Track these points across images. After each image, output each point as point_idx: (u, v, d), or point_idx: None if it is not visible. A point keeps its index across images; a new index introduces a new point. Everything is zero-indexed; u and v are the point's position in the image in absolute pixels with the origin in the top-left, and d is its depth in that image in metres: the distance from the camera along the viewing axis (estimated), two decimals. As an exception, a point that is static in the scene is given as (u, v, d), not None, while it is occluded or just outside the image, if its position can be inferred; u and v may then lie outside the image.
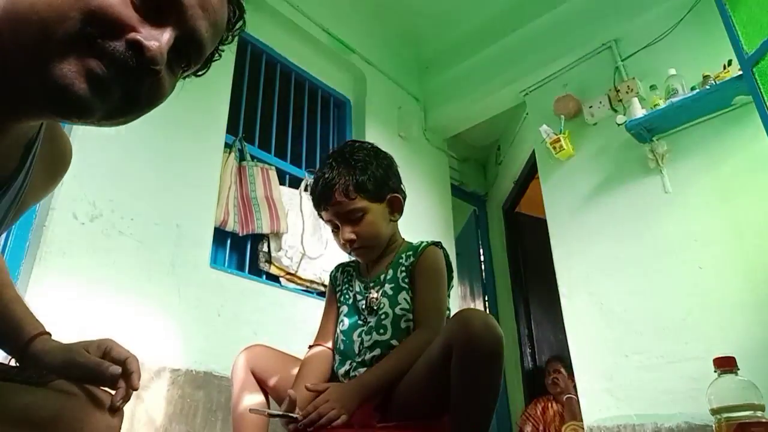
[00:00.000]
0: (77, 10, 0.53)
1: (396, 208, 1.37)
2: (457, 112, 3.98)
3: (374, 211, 1.31)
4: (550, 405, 3.56)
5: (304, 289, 2.82)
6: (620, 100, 3.05)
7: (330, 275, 1.49)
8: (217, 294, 2.36)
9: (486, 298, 4.43)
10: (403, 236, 1.44)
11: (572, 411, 3.27)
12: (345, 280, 1.42)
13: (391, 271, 1.31)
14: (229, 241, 2.63)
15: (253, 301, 2.53)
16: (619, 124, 2.97)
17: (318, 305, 2.82)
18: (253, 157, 2.85)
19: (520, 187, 4.20)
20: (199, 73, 0.74)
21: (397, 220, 1.39)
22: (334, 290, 1.44)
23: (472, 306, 4.28)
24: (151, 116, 0.68)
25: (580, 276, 2.99)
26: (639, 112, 2.82)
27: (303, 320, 2.71)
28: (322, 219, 1.35)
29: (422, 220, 3.61)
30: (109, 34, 0.54)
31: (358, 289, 1.36)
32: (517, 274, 4.29)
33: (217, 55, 0.75)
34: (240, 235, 2.61)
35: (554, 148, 3.18)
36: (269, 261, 2.70)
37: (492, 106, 3.87)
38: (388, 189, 1.35)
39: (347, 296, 1.37)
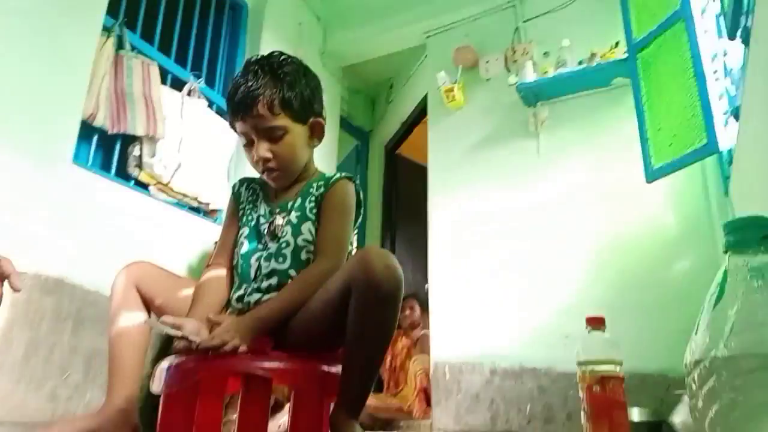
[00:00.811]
0: None
1: (317, 133, 1.30)
2: (358, 42, 3.88)
3: (295, 132, 1.23)
4: (400, 338, 3.79)
5: (176, 201, 2.66)
6: (515, 61, 3.16)
7: (233, 188, 1.39)
8: (78, 195, 2.14)
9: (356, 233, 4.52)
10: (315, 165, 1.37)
11: (422, 346, 3.51)
12: (250, 198, 1.34)
13: (299, 200, 1.25)
14: (95, 138, 2.37)
15: (117, 207, 2.33)
16: (510, 85, 3.09)
17: (189, 220, 2.70)
18: (133, 48, 2.56)
19: (406, 130, 4.25)
20: None
21: (315, 146, 1.32)
22: (237, 206, 1.35)
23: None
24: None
25: (451, 223, 3.15)
26: (531, 76, 2.95)
27: (172, 235, 2.57)
28: (235, 130, 1.24)
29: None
30: None
31: (262, 212, 1.29)
32: (388, 213, 4.41)
33: None
34: (109, 132, 2.36)
35: (447, 96, 3.24)
36: (140, 166, 2.49)
37: (394, 41, 3.82)
38: (312, 111, 1.27)
39: (250, 217, 1.30)
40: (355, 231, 1.32)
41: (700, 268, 2.45)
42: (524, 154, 3.01)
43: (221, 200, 2.87)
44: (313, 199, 1.25)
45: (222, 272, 1.25)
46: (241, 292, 1.19)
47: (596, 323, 1.01)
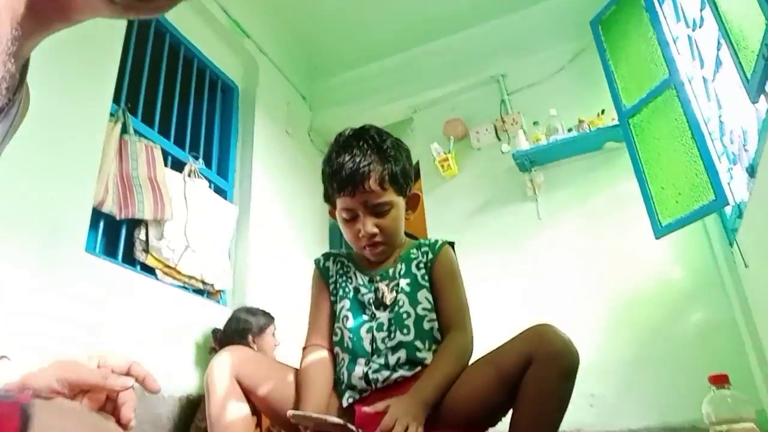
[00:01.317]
0: None
1: (413, 205, 1.30)
2: (343, 118, 3.94)
3: (399, 206, 1.23)
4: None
5: (182, 284, 2.54)
6: (506, 131, 3.29)
7: (317, 264, 1.33)
8: (90, 284, 2.02)
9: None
10: None
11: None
12: (340, 271, 1.30)
13: (402, 266, 1.22)
14: (102, 224, 2.28)
15: (127, 293, 2.21)
16: (503, 152, 3.20)
17: (195, 302, 2.58)
18: (136, 131, 2.52)
19: (394, 200, 4.29)
20: None
21: (410, 219, 1.30)
22: (326, 282, 1.29)
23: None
24: (32, 71, 0.59)
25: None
26: (524, 144, 3.07)
27: (180, 317, 2.45)
28: (333, 204, 1.23)
29: (301, 221, 3.51)
30: None
31: (360, 282, 1.24)
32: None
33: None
34: (117, 218, 2.27)
35: (442, 166, 3.31)
36: (146, 250, 2.39)
37: (379, 117, 3.87)
38: (410, 184, 1.27)
39: (347, 290, 1.25)
40: None
41: (713, 316, 2.50)
42: (524, 217, 3.07)
43: (224, 281, 2.77)
44: (422, 265, 1.23)
45: (324, 353, 1.18)
46: (363, 368, 1.12)
47: (720, 381, 0.99)
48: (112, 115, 2.35)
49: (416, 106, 3.73)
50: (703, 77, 2.41)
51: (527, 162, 3.08)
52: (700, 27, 2.31)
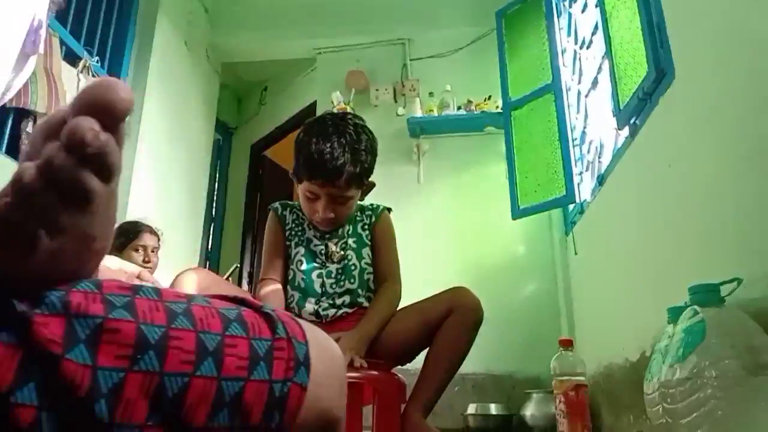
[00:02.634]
0: None
1: (367, 191, 1.46)
2: (245, 42, 3.89)
3: (357, 195, 1.39)
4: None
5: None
6: (403, 95, 3.52)
7: (274, 211, 1.49)
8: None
9: (212, 228, 4.45)
10: None
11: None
12: (296, 221, 1.47)
13: (350, 227, 1.41)
14: (-13, 109, 2.11)
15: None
16: (399, 115, 3.44)
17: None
18: (33, 14, 2.31)
19: (281, 133, 4.34)
20: None
21: (362, 200, 1.47)
22: (282, 227, 1.46)
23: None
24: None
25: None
26: (419, 111, 3.34)
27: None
28: (299, 182, 1.35)
29: (188, 138, 3.46)
30: None
31: (313, 234, 1.43)
32: (251, 213, 4.44)
33: None
34: (7, 106, 2.12)
35: (339, 114, 3.46)
36: (32, 144, 2.26)
37: (282, 50, 3.92)
38: (370, 175, 1.42)
39: (301, 238, 1.43)
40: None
41: (541, 292, 3.05)
42: (406, 180, 3.37)
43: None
44: (366, 227, 1.42)
45: (279, 287, 1.36)
46: (313, 305, 1.32)
47: (566, 344, 1.36)
48: (12, -10, 2.14)
49: (321, 48, 3.79)
50: (579, 91, 2.84)
51: (418, 129, 3.36)
52: (587, 47, 2.71)
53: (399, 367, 1.33)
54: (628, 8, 1.97)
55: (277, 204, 1.53)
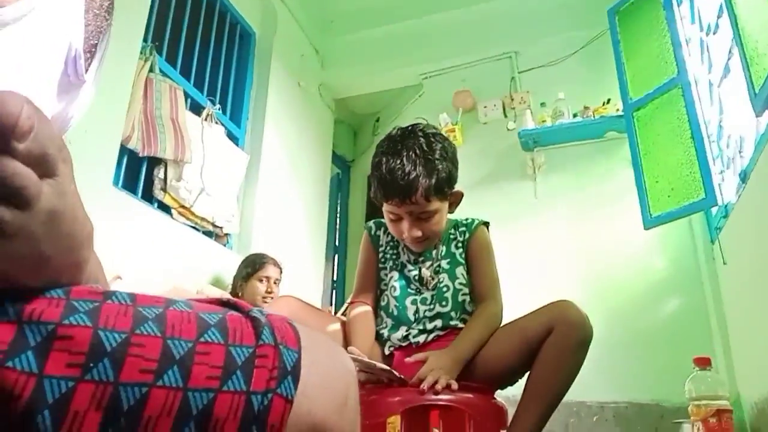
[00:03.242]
0: None
1: (456, 202, 1.38)
2: (354, 77, 4.01)
3: (443, 209, 1.31)
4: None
5: (193, 225, 2.65)
6: (513, 108, 3.40)
7: (368, 230, 1.46)
8: (117, 217, 2.12)
9: (336, 262, 4.58)
10: None
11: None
12: (390, 243, 1.42)
13: (443, 247, 1.35)
14: (125, 160, 2.35)
15: (145, 229, 2.31)
16: (509, 129, 3.32)
17: (206, 244, 2.69)
18: (161, 71, 2.56)
19: (394, 163, 4.38)
20: None
21: (453, 213, 1.40)
22: (375, 248, 1.42)
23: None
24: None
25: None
26: (530, 123, 3.19)
27: (191, 257, 2.56)
28: (380, 205, 1.30)
29: (305, 174, 3.60)
30: None
31: (407, 259, 1.38)
32: (371, 242, 4.50)
33: None
34: (140, 155, 2.35)
35: (448, 136, 3.41)
36: (164, 189, 2.48)
37: (389, 80, 3.98)
38: (454, 185, 1.34)
39: (396, 262, 1.39)
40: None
41: (687, 308, 2.71)
42: (522, 195, 3.22)
43: (233, 225, 2.88)
44: (459, 244, 1.35)
45: (369, 309, 1.33)
46: (402, 332, 1.27)
47: (703, 363, 1.16)
48: (141, 53, 2.40)
49: (427, 73, 3.80)
50: (710, 81, 2.54)
51: (531, 141, 3.21)
52: (714, 33, 2.42)
53: (500, 391, 1.22)
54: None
55: (371, 223, 1.48)
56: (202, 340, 0.32)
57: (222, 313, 0.34)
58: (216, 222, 2.74)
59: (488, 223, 1.45)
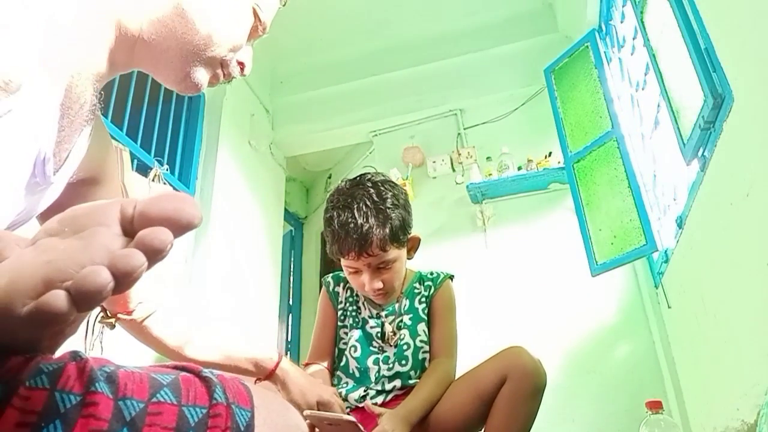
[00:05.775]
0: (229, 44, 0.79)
1: (413, 247, 1.37)
2: (305, 136, 4.06)
3: (401, 257, 1.30)
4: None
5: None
6: (461, 163, 3.50)
7: (326, 286, 1.41)
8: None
9: (290, 319, 4.49)
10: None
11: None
12: (350, 299, 1.39)
13: (406, 302, 1.33)
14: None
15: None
16: (458, 183, 3.40)
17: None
18: (106, 133, 2.53)
19: (347, 218, 4.40)
20: None
21: (411, 258, 1.38)
22: (334, 305, 1.38)
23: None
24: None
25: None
26: (477, 177, 3.28)
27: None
28: (337, 260, 1.28)
29: (257, 233, 3.57)
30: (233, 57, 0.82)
31: (369, 314, 1.34)
32: (325, 299, 4.44)
33: None
34: (83, 218, 2.28)
35: (399, 191, 3.47)
36: (108, 252, 2.40)
37: (340, 137, 4.05)
38: (409, 231, 1.33)
39: (357, 320, 1.35)
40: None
41: (637, 352, 2.77)
42: (473, 246, 3.27)
43: (180, 286, 2.80)
44: (423, 299, 1.33)
45: (324, 369, 1.28)
46: (360, 392, 1.24)
47: (656, 407, 1.18)
48: (85, 115, 2.36)
49: (377, 131, 3.89)
50: (642, 133, 2.69)
51: (479, 194, 3.29)
52: (642, 89, 2.59)
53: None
54: (674, 40, 1.87)
55: (329, 278, 1.44)
56: (154, 400, 0.31)
57: (174, 374, 0.34)
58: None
59: (453, 276, 1.44)
